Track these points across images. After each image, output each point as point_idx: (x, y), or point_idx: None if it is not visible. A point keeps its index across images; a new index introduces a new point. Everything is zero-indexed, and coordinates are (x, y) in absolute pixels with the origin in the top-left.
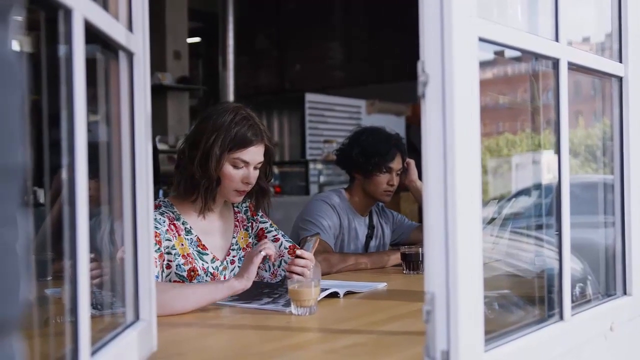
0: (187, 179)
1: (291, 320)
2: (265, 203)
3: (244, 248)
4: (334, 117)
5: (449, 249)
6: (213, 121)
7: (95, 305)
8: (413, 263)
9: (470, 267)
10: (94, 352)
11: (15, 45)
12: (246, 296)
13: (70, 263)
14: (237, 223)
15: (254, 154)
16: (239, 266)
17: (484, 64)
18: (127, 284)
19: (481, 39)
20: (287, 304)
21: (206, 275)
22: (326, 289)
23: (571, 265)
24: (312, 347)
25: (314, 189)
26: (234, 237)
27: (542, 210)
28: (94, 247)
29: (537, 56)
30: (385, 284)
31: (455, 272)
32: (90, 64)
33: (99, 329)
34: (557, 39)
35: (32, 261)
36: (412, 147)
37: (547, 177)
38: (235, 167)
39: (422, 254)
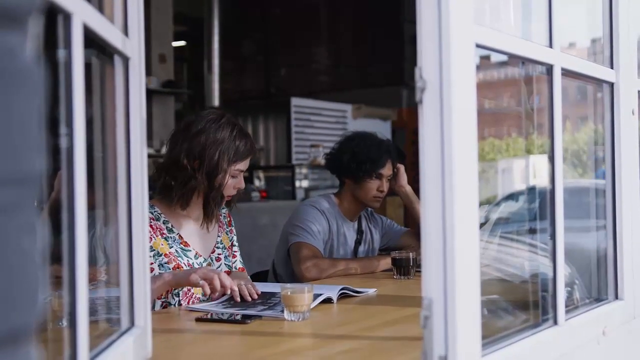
0: (189, 191)
1: (284, 326)
2: (236, 200)
3: (228, 248)
4: (320, 121)
5: (447, 255)
6: (213, 136)
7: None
8: (404, 268)
9: (468, 272)
10: (91, 359)
11: (33, 52)
12: (241, 305)
13: (68, 269)
14: (220, 223)
15: (248, 162)
16: (225, 264)
17: None
18: (122, 290)
19: (478, 45)
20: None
21: None
22: (320, 295)
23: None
24: (307, 352)
25: (300, 193)
26: (219, 236)
27: (531, 215)
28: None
29: (532, 62)
30: (376, 289)
31: (453, 278)
32: (85, 68)
33: (94, 335)
34: (550, 45)
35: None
36: (398, 152)
37: (535, 181)
38: (233, 177)
39: (413, 259)
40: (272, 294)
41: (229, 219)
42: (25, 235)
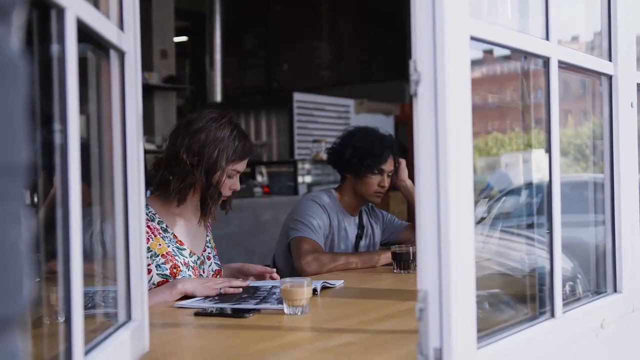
0: (186, 187)
1: (283, 319)
2: (231, 201)
3: (214, 247)
4: (322, 116)
5: (442, 247)
6: (213, 134)
7: (86, 305)
8: (404, 262)
9: (463, 264)
10: (86, 352)
11: (18, 44)
12: (229, 299)
13: (63, 263)
14: (208, 224)
15: (245, 164)
16: (215, 262)
17: (472, 63)
18: (119, 284)
19: (473, 38)
20: (280, 302)
21: (188, 270)
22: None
23: (561, 264)
24: (305, 346)
25: (302, 189)
26: (208, 236)
27: (532, 209)
28: (83, 248)
29: (528, 55)
30: (343, 281)
31: (448, 270)
32: (80, 63)
33: (91, 329)
34: (547, 38)
35: (35, 259)
36: (401, 147)
37: (537, 176)
38: (229, 177)
39: (413, 253)
40: (257, 288)
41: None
42: (11, 225)
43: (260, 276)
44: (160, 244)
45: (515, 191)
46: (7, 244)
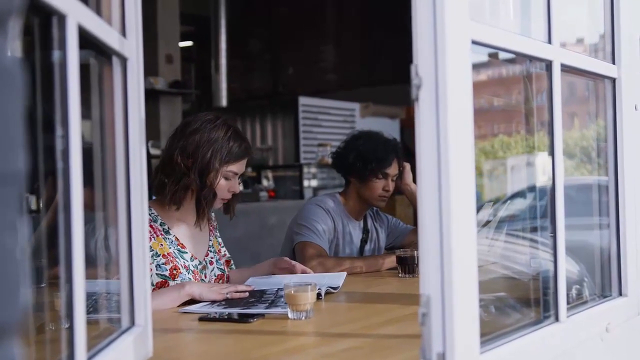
0: (181, 189)
1: (287, 324)
2: (234, 205)
3: (217, 251)
4: (328, 120)
5: (444, 251)
6: (207, 135)
7: (89, 309)
8: (408, 266)
9: (466, 269)
10: (89, 358)
11: (15, 52)
12: (237, 304)
13: (65, 269)
14: (211, 228)
15: (243, 165)
16: (217, 267)
17: (478, 66)
18: (122, 289)
19: (474, 42)
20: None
21: (188, 273)
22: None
23: (567, 268)
24: (309, 351)
25: (308, 193)
26: (210, 240)
27: (537, 213)
28: (88, 254)
29: (530, 58)
30: (345, 274)
31: (450, 274)
32: (83, 69)
33: (94, 335)
34: (550, 41)
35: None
36: (407, 150)
37: (542, 179)
38: (226, 178)
39: (418, 257)
40: (263, 292)
41: (216, 223)
42: (7, 233)
43: (289, 270)
44: (162, 244)
45: (521, 194)
46: (3, 251)
